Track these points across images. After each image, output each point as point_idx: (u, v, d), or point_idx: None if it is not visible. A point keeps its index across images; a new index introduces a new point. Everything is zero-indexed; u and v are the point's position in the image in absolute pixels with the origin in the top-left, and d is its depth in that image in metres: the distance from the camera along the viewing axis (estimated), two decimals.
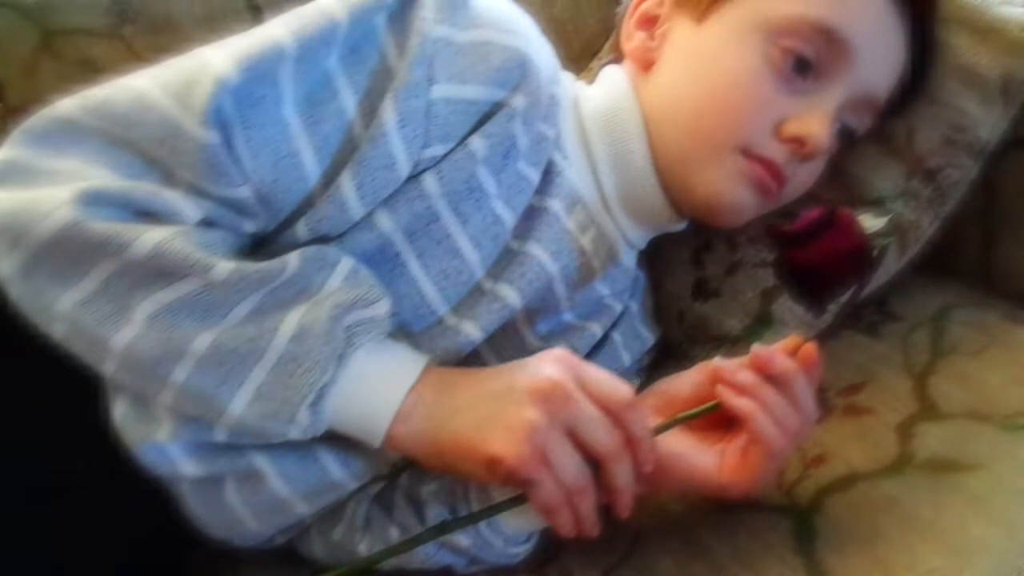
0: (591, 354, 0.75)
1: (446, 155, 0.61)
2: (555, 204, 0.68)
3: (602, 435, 0.56)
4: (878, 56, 0.69)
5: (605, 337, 0.76)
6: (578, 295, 0.71)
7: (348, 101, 0.59)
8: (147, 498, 0.61)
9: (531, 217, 0.68)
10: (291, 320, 0.55)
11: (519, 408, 0.55)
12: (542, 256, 0.67)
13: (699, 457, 0.61)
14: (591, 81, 0.77)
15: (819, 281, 0.59)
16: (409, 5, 0.60)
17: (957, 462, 0.64)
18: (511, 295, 0.66)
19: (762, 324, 0.77)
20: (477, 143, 0.61)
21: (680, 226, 0.78)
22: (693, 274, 0.81)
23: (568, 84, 0.74)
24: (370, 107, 0.59)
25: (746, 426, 0.58)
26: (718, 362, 0.61)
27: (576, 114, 0.73)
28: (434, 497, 0.66)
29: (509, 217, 0.65)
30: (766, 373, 0.58)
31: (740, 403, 0.58)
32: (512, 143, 0.63)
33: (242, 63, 0.55)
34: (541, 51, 0.66)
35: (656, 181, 0.72)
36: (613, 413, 0.56)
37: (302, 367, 0.55)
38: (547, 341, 0.71)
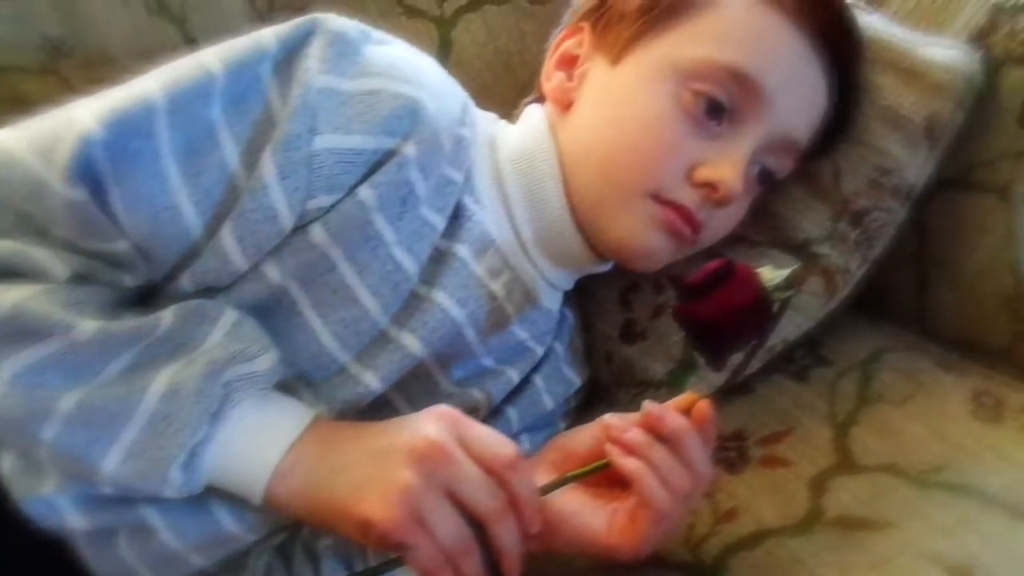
0: (511, 398, 0.73)
1: (334, 205, 0.60)
2: (462, 249, 0.67)
3: (483, 496, 0.54)
4: (795, 99, 0.68)
5: (526, 380, 0.74)
6: (493, 340, 0.70)
7: (230, 152, 0.57)
8: (48, 550, 0.60)
9: (437, 262, 0.66)
10: (163, 378, 0.54)
11: (395, 469, 0.54)
12: (446, 303, 0.66)
13: (590, 516, 0.59)
14: (516, 120, 0.76)
15: (716, 334, 0.58)
16: (295, 54, 0.59)
17: (867, 520, 0.62)
18: (413, 343, 0.65)
19: (685, 369, 0.76)
20: (366, 192, 0.60)
21: (604, 267, 0.77)
22: (622, 315, 0.80)
23: (486, 124, 0.73)
24: (252, 159, 0.57)
25: (634, 487, 0.57)
26: (610, 418, 0.59)
27: (492, 155, 0.72)
28: (330, 551, 0.64)
29: (411, 264, 0.64)
30: (657, 432, 0.57)
31: (628, 464, 0.56)
32: (409, 190, 0.62)
33: (107, 119, 0.54)
34: (442, 97, 0.65)
35: (572, 224, 0.71)
36: (496, 473, 0.55)
37: (172, 426, 0.54)
38: (462, 386, 0.69)
